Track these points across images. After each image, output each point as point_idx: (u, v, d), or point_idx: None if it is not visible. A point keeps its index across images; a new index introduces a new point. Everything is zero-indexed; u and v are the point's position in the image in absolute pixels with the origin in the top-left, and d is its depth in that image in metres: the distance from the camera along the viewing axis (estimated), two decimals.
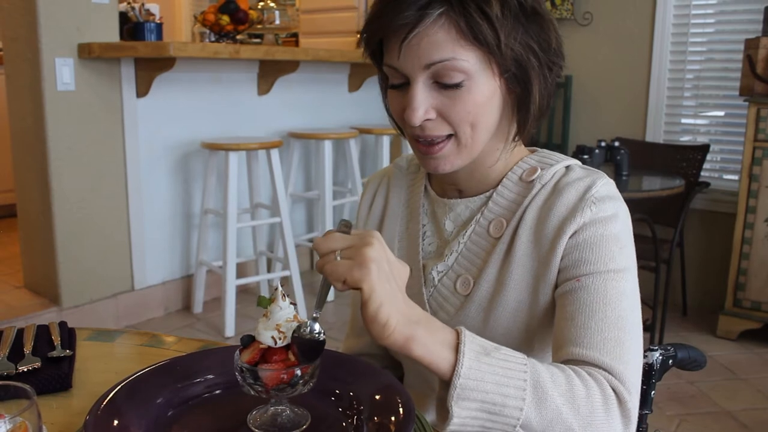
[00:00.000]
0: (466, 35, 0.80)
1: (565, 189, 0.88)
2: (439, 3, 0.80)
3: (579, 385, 0.73)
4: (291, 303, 0.78)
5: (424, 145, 0.87)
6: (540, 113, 0.89)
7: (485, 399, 0.70)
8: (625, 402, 0.75)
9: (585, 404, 0.72)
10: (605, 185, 0.88)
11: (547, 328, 0.89)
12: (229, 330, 3.17)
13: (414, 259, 0.99)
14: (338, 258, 0.71)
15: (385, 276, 0.70)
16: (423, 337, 0.71)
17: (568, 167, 0.92)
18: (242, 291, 3.54)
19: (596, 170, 0.91)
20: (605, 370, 0.77)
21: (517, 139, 0.91)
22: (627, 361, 0.78)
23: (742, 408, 2.59)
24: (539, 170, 0.92)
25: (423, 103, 0.83)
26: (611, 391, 0.75)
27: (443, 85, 0.82)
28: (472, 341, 0.72)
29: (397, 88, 0.87)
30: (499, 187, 0.93)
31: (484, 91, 0.83)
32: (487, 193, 0.94)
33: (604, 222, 0.85)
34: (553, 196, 0.89)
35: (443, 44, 0.80)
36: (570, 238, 0.85)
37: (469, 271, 0.93)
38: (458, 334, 0.73)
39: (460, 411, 0.70)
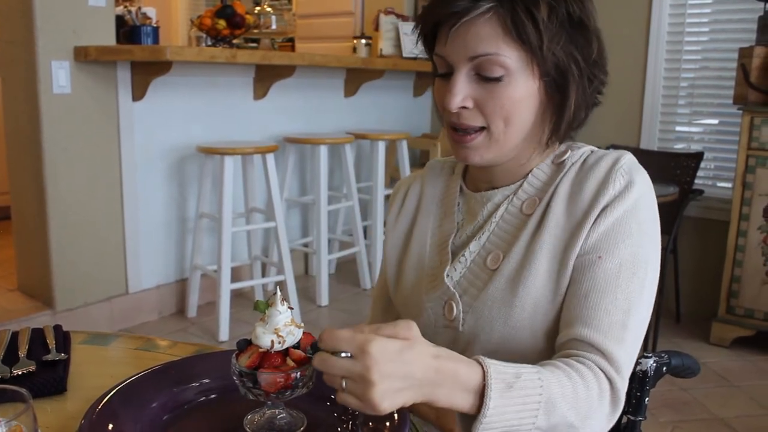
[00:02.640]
0: (511, 33, 0.85)
1: (595, 164, 0.92)
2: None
3: (581, 386, 0.79)
4: (289, 307, 0.79)
5: (458, 134, 0.92)
6: (575, 122, 0.93)
7: (504, 426, 0.74)
8: (617, 389, 0.82)
9: (585, 402, 0.79)
10: (631, 158, 0.92)
11: None
12: (224, 334, 3.17)
13: (443, 251, 1.01)
14: (344, 385, 0.69)
15: (393, 383, 0.68)
16: (445, 395, 0.72)
17: (593, 151, 0.97)
18: (237, 295, 3.53)
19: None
20: (605, 355, 0.83)
21: (549, 144, 0.95)
22: (627, 345, 0.84)
23: (735, 415, 2.60)
24: (569, 152, 0.96)
25: (462, 90, 0.88)
26: (606, 382, 0.82)
27: (484, 77, 0.87)
28: (496, 379, 0.74)
29: (442, 78, 0.92)
30: (534, 170, 0.97)
31: (521, 90, 0.88)
32: (522, 180, 0.97)
33: (635, 207, 0.89)
34: (583, 171, 0.93)
35: (488, 38, 0.85)
36: (602, 211, 0.88)
37: (499, 247, 0.95)
38: (483, 373, 0.74)
39: None
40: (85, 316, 3.13)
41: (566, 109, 0.90)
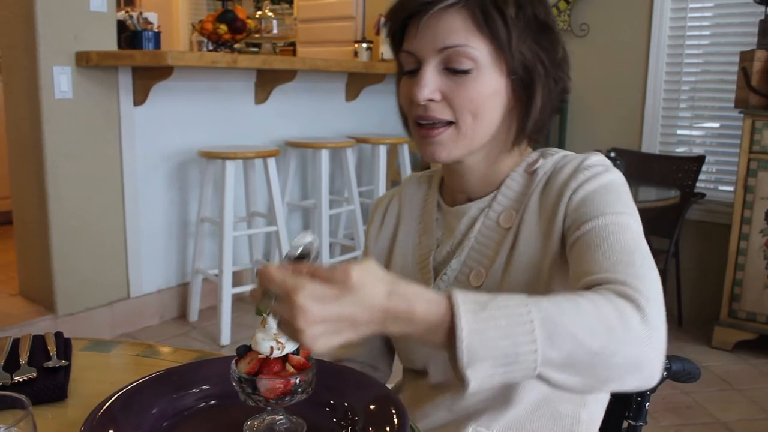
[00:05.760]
0: (480, 26, 0.86)
1: (563, 168, 0.92)
2: None
3: (587, 306, 0.70)
4: None
5: (424, 128, 0.91)
6: (541, 123, 0.93)
7: (496, 355, 0.66)
8: (643, 307, 0.71)
9: (598, 323, 0.69)
10: (596, 156, 0.92)
11: None
12: (225, 338, 3.17)
13: (425, 269, 1.00)
14: (273, 301, 0.68)
15: (326, 326, 0.66)
16: (402, 332, 0.68)
17: (565, 156, 0.95)
18: (238, 299, 3.53)
19: (593, 151, 0.95)
20: (613, 281, 0.75)
21: (514, 144, 0.94)
22: (641, 276, 0.76)
23: (737, 419, 2.59)
24: (541, 160, 0.95)
25: (431, 82, 0.88)
26: (622, 300, 0.71)
27: (452, 70, 0.87)
28: (465, 300, 0.68)
29: (409, 75, 0.92)
30: (507, 180, 0.96)
31: (489, 84, 0.88)
32: (496, 191, 0.97)
33: (596, 177, 0.88)
34: (552, 177, 0.92)
35: (458, 30, 0.86)
36: (568, 201, 0.88)
37: (480, 263, 0.94)
38: (449, 299, 0.68)
39: (476, 374, 0.67)
40: (86, 321, 3.13)
41: (532, 109, 0.90)
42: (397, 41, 0.95)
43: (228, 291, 3.16)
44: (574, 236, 0.84)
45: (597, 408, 0.98)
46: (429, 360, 0.98)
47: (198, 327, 3.42)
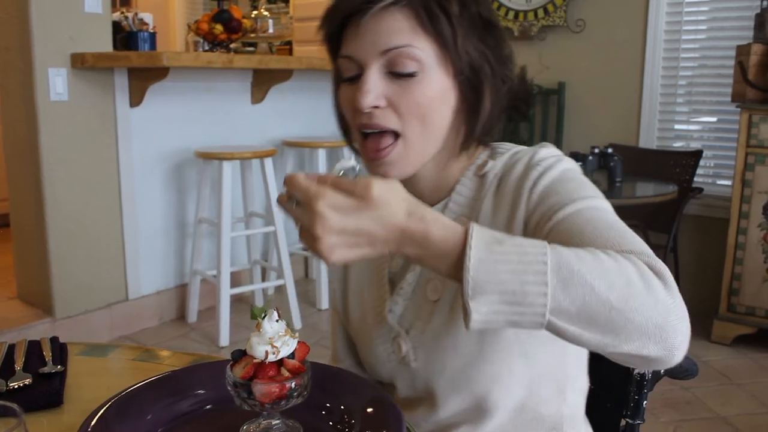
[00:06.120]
0: (424, 25, 0.82)
1: (513, 168, 0.88)
2: None
3: (607, 259, 0.66)
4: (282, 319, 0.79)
5: (371, 141, 0.85)
6: (489, 125, 0.89)
7: (503, 290, 0.64)
8: (664, 277, 0.67)
9: (618, 275, 0.65)
10: (545, 149, 0.88)
11: None
12: (224, 339, 3.16)
13: (380, 282, 0.97)
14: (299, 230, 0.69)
15: (344, 238, 0.67)
16: (416, 255, 0.68)
17: (514, 153, 0.91)
18: (237, 300, 3.53)
19: (541, 143, 0.91)
20: (626, 251, 0.70)
21: (463, 148, 0.90)
22: (644, 249, 0.71)
23: (736, 413, 2.59)
24: (490, 162, 0.91)
25: (375, 87, 0.82)
26: (642, 263, 0.67)
27: (396, 74, 0.82)
28: (480, 232, 0.67)
29: (349, 81, 0.86)
30: (457, 186, 0.92)
31: (436, 87, 0.83)
32: (447, 198, 0.93)
33: (550, 170, 0.84)
34: (503, 179, 0.88)
35: (401, 30, 0.81)
36: (527, 200, 0.84)
37: (437, 276, 0.90)
38: (465, 233, 0.67)
39: (479, 306, 0.64)
40: (85, 324, 3.13)
41: (481, 110, 0.87)
42: (334, 46, 0.89)
43: (226, 292, 3.16)
44: (546, 228, 0.79)
45: (576, 398, 0.96)
46: (395, 375, 0.95)
47: (197, 328, 3.41)
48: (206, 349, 3.17)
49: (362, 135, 0.86)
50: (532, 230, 0.82)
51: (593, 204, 0.79)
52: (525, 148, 0.92)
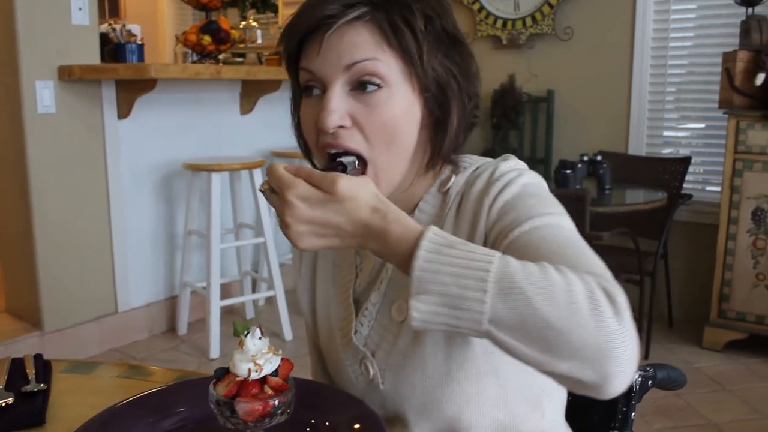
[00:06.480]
0: (389, 39, 0.80)
1: (474, 183, 0.86)
2: (364, 4, 0.79)
3: (556, 275, 0.64)
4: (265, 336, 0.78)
5: (336, 167, 0.83)
6: (455, 143, 0.87)
7: (442, 291, 0.65)
8: (616, 302, 0.63)
9: (562, 294, 0.63)
10: (507, 163, 0.86)
11: None
12: (214, 351, 3.15)
13: (345, 302, 0.95)
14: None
15: (312, 228, 0.71)
16: (377, 251, 0.72)
17: (477, 168, 0.89)
18: (227, 312, 3.51)
19: (504, 155, 0.90)
20: (582, 272, 0.67)
21: (429, 166, 0.89)
22: (601, 270, 0.69)
23: (728, 420, 2.59)
24: (453, 178, 0.90)
25: (339, 106, 0.80)
26: (595, 284, 0.64)
27: (361, 90, 0.80)
28: (436, 235, 0.68)
29: (311, 99, 0.84)
30: (420, 203, 0.91)
31: (401, 105, 0.81)
32: (410, 215, 0.89)
33: (510, 185, 0.82)
34: (465, 195, 0.87)
35: (365, 45, 0.80)
36: (486, 217, 0.82)
37: (401, 295, 0.89)
38: (423, 231, 0.69)
39: (419, 305, 0.66)
40: (74, 337, 3.10)
41: (449, 128, 0.85)
42: (293, 62, 0.86)
43: (216, 303, 3.14)
44: (503, 245, 0.77)
45: (555, 411, 0.95)
46: (365, 397, 0.92)
47: (187, 340, 3.39)
48: (197, 361, 3.15)
49: (328, 156, 0.83)
50: (491, 247, 0.79)
51: (551, 221, 0.77)
52: (488, 161, 0.90)
